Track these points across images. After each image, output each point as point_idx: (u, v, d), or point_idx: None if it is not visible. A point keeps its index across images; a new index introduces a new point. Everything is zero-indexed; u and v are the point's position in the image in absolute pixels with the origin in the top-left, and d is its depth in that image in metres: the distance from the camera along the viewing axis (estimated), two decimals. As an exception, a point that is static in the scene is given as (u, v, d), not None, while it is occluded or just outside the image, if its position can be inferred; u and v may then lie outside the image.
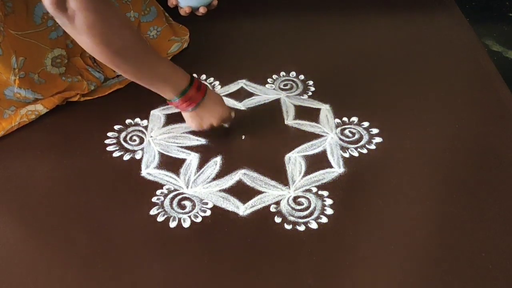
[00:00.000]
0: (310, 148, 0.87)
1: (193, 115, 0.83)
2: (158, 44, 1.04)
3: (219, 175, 0.83)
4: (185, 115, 0.84)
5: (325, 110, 0.94)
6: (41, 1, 0.68)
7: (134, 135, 0.90)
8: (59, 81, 0.93)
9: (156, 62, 0.77)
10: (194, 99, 0.80)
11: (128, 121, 0.92)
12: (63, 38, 0.91)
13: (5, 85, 0.87)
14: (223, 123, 0.87)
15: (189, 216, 0.76)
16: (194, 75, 1.01)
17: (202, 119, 0.83)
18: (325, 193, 0.79)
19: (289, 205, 0.78)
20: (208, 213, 0.77)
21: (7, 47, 0.83)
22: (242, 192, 0.80)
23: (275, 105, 0.96)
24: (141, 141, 0.89)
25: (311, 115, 0.93)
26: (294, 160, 0.85)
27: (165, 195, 0.80)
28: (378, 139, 0.88)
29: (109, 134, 0.90)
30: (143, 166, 0.84)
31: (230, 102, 0.96)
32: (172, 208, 0.78)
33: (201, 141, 0.88)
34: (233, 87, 1.00)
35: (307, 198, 0.79)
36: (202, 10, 0.83)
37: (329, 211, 0.77)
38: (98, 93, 0.97)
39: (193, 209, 0.78)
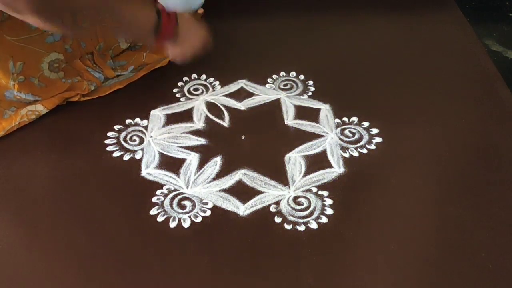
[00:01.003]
0: (310, 148, 0.87)
1: (174, 45, 0.82)
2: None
3: (219, 175, 0.83)
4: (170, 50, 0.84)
5: (325, 110, 0.94)
6: None
7: (134, 135, 0.90)
8: (59, 83, 0.93)
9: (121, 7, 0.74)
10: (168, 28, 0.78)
11: (128, 121, 0.92)
12: (61, 42, 0.90)
13: (5, 88, 0.87)
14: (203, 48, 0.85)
15: (189, 216, 0.76)
16: (195, 75, 1.02)
17: (183, 46, 0.83)
18: (325, 193, 0.79)
19: (289, 205, 0.78)
20: (208, 213, 0.77)
21: (3, 52, 0.83)
22: (242, 192, 0.80)
23: (275, 105, 0.96)
24: (141, 141, 0.89)
25: (311, 115, 0.93)
26: (294, 160, 0.85)
27: (165, 195, 0.80)
28: (378, 139, 0.88)
29: (109, 134, 0.90)
30: (143, 166, 0.84)
31: (230, 102, 0.96)
32: (172, 208, 0.78)
33: (201, 141, 0.88)
34: (233, 87, 1.00)
35: (307, 198, 0.79)
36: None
37: (329, 211, 0.77)
38: (98, 93, 0.97)
39: (193, 209, 0.78)
